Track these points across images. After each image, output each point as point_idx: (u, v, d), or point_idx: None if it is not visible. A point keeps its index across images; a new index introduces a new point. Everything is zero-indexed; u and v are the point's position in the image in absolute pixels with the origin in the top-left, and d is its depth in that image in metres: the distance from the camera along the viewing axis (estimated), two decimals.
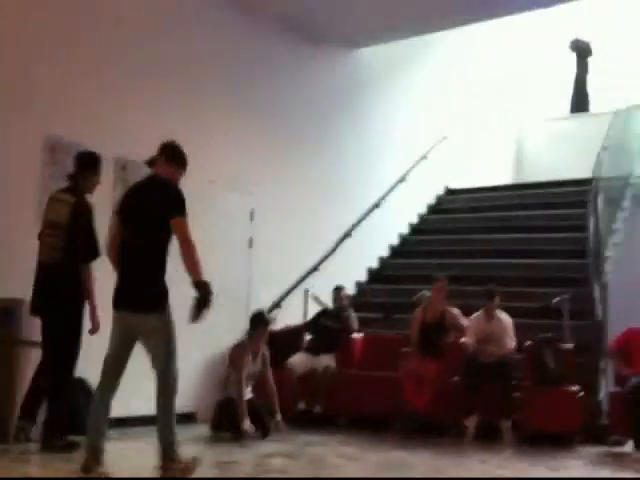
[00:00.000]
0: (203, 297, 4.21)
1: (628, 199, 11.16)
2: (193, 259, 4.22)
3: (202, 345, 7.53)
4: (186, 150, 7.40)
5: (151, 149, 7.00)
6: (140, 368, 6.62)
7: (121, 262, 4.33)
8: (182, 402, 7.18)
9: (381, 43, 10.23)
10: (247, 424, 6.09)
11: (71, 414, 5.39)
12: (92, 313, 5.34)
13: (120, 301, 4.30)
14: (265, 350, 6.64)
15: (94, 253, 5.31)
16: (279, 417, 6.42)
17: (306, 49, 9.43)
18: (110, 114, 6.77)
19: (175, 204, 4.25)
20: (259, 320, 6.65)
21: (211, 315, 7.47)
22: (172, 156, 4.50)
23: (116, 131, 6.74)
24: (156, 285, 4.27)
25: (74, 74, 6.52)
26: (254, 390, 6.56)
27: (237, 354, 6.45)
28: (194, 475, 4.25)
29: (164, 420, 4.25)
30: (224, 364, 7.35)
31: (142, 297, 4.26)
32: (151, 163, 4.46)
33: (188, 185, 7.43)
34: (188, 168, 7.39)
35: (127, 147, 6.84)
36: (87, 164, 5.50)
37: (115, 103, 6.83)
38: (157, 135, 7.15)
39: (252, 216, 8.43)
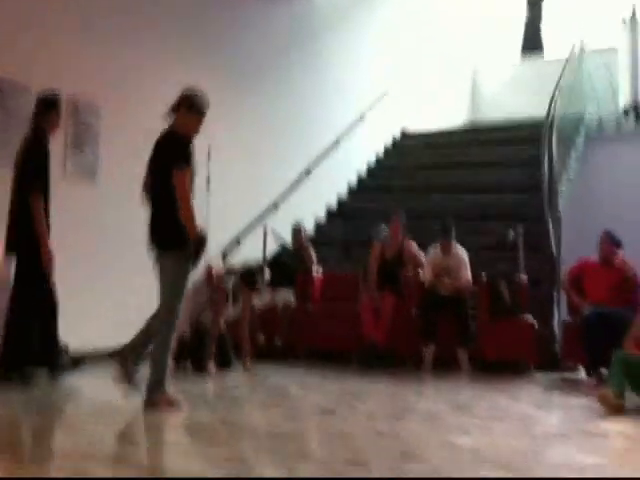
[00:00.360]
0: (195, 249, 4.43)
1: (581, 137, 11.36)
2: (186, 214, 4.40)
3: None
4: (141, 89, 7.35)
5: (103, 89, 6.88)
6: (95, 302, 6.64)
7: (149, 206, 4.62)
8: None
9: None
10: (212, 366, 6.13)
11: (29, 352, 5.39)
12: (41, 247, 5.26)
13: (148, 240, 4.57)
14: (246, 298, 6.61)
15: (40, 189, 5.28)
16: (248, 361, 6.42)
17: None
18: (60, 54, 6.55)
19: (176, 158, 4.44)
20: (250, 281, 6.58)
21: None
22: (191, 106, 4.62)
23: (67, 71, 6.55)
24: (174, 227, 4.41)
25: (20, 13, 6.25)
26: (228, 329, 6.55)
27: (220, 296, 6.40)
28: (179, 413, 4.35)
29: (157, 356, 4.41)
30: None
31: (160, 236, 4.50)
32: (173, 110, 4.63)
33: (143, 125, 7.38)
34: (143, 107, 7.35)
35: (78, 87, 6.66)
36: (48, 105, 5.48)
37: (65, 43, 6.62)
38: (109, 76, 7.03)
39: (209, 155, 8.32)
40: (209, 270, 7.28)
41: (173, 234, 4.42)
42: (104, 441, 3.61)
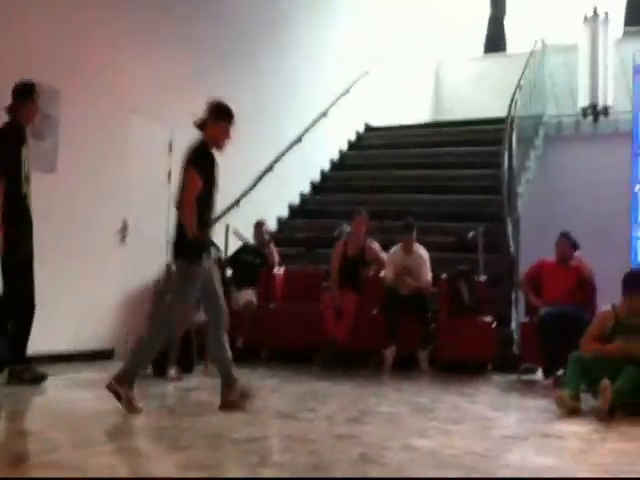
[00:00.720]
0: (192, 250, 4.52)
1: (540, 138, 11.51)
2: (184, 216, 4.51)
3: (120, 281, 7.43)
4: (102, 79, 7.25)
5: (64, 77, 6.76)
6: (58, 302, 6.54)
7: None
8: (100, 339, 7.19)
9: None
10: (174, 370, 6.06)
11: None
12: None
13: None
14: None
15: (4, 178, 5.25)
16: (210, 363, 6.34)
17: None
18: (19, 41, 6.40)
19: (191, 158, 4.56)
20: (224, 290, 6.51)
21: (128, 250, 7.44)
22: (217, 114, 4.71)
23: (26, 58, 6.40)
24: (184, 235, 4.50)
25: None
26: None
27: None
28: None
29: (136, 348, 4.60)
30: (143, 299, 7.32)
31: (175, 243, 4.62)
32: (201, 126, 4.68)
33: (105, 115, 7.31)
34: (105, 98, 7.25)
35: (39, 75, 6.50)
36: (24, 94, 5.48)
37: (24, 29, 6.47)
38: (70, 64, 6.90)
39: (171, 148, 8.25)
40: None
41: (183, 242, 4.52)
42: (64, 447, 3.56)
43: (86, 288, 6.95)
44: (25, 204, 5.38)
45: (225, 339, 4.68)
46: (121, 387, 4.37)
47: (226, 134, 4.70)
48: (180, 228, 4.54)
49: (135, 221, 7.58)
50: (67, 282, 6.75)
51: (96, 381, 5.40)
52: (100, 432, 4.06)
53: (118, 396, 4.36)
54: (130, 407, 4.36)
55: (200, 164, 4.55)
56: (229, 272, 7.96)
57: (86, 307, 6.98)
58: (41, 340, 5.85)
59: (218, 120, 4.68)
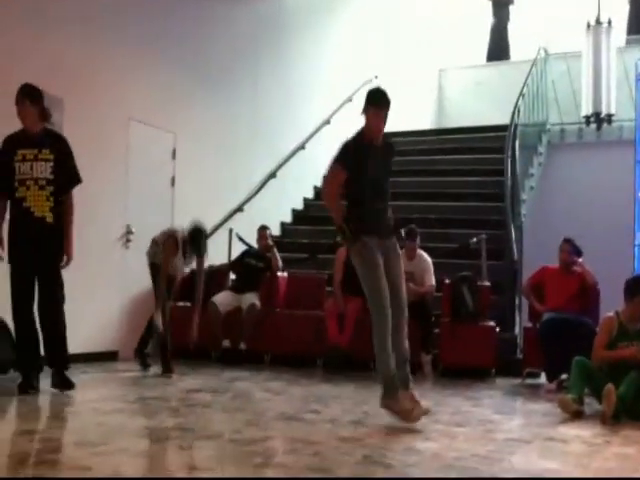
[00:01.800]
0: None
1: (544, 145, 11.53)
2: (328, 206, 4.67)
3: (123, 285, 7.45)
4: (106, 88, 7.27)
5: (62, 83, 6.74)
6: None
7: None
8: (105, 341, 7.20)
9: None
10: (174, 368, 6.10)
11: None
12: None
13: None
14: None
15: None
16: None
17: None
18: (17, 43, 6.35)
19: (337, 153, 4.55)
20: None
21: (132, 255, 7.45)
22: (367, 102, 4.56)
23: (30, 68, 6.37)
24: (349, 220, 4.49)
25: None
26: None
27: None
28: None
29: (376, 353, 4.40)
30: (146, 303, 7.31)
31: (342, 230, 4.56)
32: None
33: (107, 123, 7.33)
34: (106, 105, 7.27)
35: (43, 84, 6.51)
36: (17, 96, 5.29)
37: (23, 35, 6.43)
38: (73, 72, 6.90)
39: (174, 154, 8.29)
40: None
41: (348, 228, 4.47)
42: (66, 447, 3.56)
43: (91, 292, 6.95)
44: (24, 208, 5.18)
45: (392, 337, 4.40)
46: (391, 401, 4.35)
47: (376, 123, 4.51)
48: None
49: (139, 226, 7.59)
50: (72, 286, 6.72)
51: (100, 382, 5.41)
52: (103, 432, 4.05)
53: (388, 408, 4.38)
54: (406, 414, 4.32)
55: (344, 157, 4.48)
56: (232, 276, 7.97)
57: (91, 310, 6.98)
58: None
59: (367, 106, 4.52)
